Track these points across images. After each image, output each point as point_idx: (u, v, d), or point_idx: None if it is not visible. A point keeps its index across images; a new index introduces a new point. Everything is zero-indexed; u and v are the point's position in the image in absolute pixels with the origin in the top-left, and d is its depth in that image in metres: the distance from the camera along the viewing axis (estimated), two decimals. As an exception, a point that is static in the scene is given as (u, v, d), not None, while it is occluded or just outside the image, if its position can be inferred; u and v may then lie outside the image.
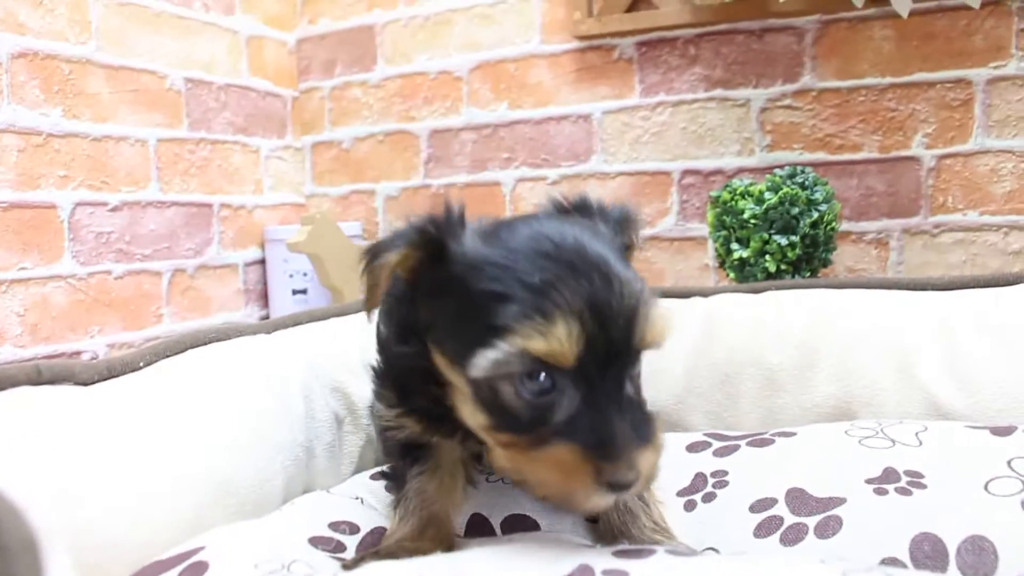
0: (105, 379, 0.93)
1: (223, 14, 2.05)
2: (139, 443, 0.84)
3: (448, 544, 0.80)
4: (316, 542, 0.82)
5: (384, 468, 0.95)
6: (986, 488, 0.86)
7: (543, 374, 0.63)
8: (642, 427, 0.64)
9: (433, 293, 0.70)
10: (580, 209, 0.76)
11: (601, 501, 0.63)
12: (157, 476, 0.82)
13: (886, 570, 0.68)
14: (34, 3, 1.61)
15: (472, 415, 0.68)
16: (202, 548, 0.74)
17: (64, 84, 1.66)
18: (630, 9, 1.92)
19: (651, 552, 0.67)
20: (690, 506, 0.93)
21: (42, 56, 1.62)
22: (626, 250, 0.75)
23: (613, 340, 0.62)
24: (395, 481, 0.84)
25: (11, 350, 1.56)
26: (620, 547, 0.70)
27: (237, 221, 2.07)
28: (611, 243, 0.70)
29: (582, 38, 1.99)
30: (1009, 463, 0.92)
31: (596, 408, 0.63)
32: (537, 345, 0.61)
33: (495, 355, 0.62)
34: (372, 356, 0.88)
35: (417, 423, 0.79)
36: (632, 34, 1.95)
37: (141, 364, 0.98)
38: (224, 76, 2.05)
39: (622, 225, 0.76)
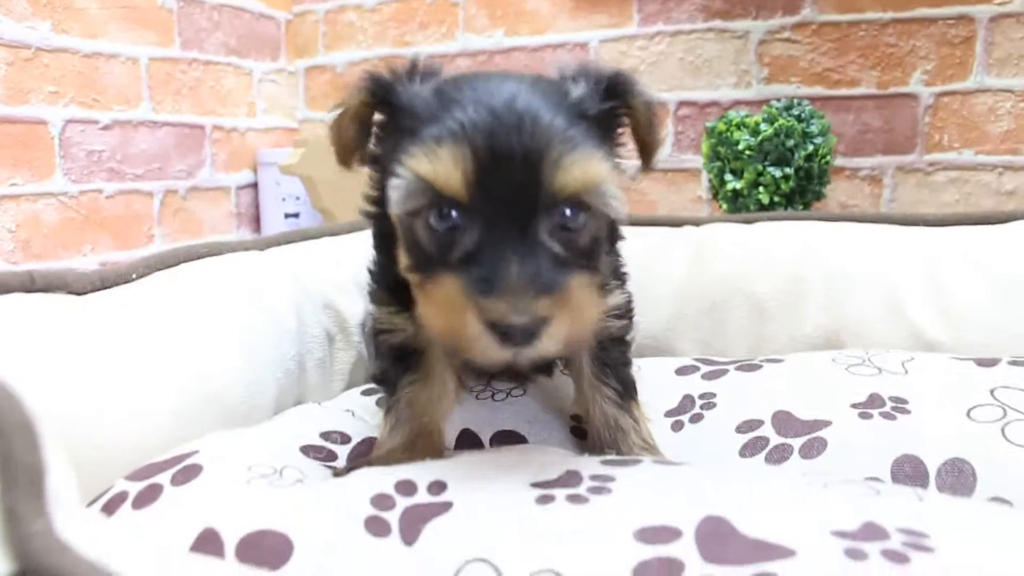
0: (98, 289, 0.93)
1: (217, -70, 2.01)
2: (130, 351, 0.84)
3: (438, 455, 0.79)
4: (308, 450, 0.83)
5: (375, 375, 0.95)
6: (968, 415, 0.87)
7: (448, 208, 0.61)
8: (548, 276, 0.60)
9: (384, 144, 0.71)
10: (574, 75, 0.71)
11: (492, 350, 0.59)
12: (148, 383, 0.82)
13: (867, 483, 0.70)
14: (22, -89, 1.57)
15: (401, 260, 0.67)
16: (196, 452, 0.75)
17: (52, -2, 1.64)
18: (631, -64, 1.89)
19: (637, 461, 0.68)
20: (677, 426, 0.94)
21: (30, -32, 1.59)
22: (609, 119, 0.70)
23: (515, 177, 0.60)
24: (386, 388, 0.84)
25: (2, 265, 1.57)
26: (608, 457, 0.71)
27: (229, 144, 2.06)
28: (560, 103, 0.65)
29: (582, -35, 1.97)
30: (992, 392, 0.94)
31: (492, 246, 0.60)
32: (424, 168, 0.60)
33: (396, 183, 0.62)
34: (363, 276, 0.88)
35: (410, 323, 0.77)
36: (632, -38, 1.93)
37: (134, 276, 0.98)
38: (216, -5, 2.02)
39: (608, 91, 0.69)
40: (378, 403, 0.96)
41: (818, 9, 1.80)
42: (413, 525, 0.58)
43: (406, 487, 0.63)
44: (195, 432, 0.83)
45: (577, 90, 0.68)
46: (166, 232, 1.88)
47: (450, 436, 0.89)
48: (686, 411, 0.97)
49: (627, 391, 0.85)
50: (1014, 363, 1.03)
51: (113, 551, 0.48)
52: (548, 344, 0.60)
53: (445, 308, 0.61)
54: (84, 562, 0.43)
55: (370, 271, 0.86)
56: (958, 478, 0.76)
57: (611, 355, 0.84)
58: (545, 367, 0.91)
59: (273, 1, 2.20)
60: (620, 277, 0.85)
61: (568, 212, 0.63)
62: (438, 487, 0.63)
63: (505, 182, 0.60)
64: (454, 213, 0.62)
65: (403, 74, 0.69)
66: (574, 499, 0.60)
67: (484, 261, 0.60)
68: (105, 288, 0.94)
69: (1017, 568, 0.51)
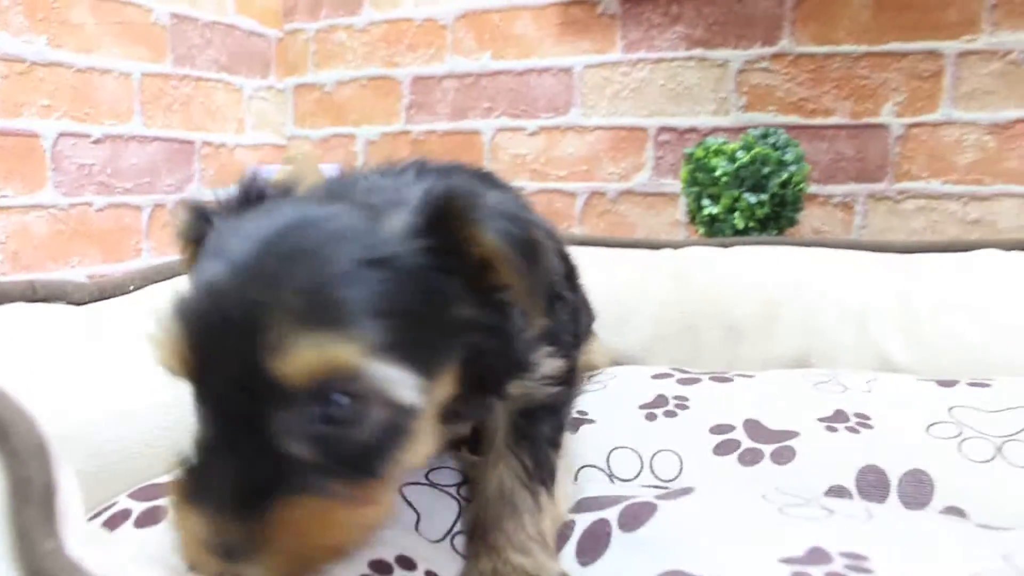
0: (96, 300, 0.96)
1: (209, -51, 2.05)
2: (128, 361, 0.87)
3: None
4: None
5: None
6: (927, 431, 0.92)
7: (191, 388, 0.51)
8: (253, 494, 0.48)
9: None
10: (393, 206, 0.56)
11: (199, 560, 0.49)
12: (146, 393, 0.85)
13: (821, 504, 0.75)
14: (19, -71, 1.61)
15: None
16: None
17: (49, 12, 1.67)
18: (616, -35, 1.95)
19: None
20: (651, 417, 0.97)
21: (27, -16, 1.63)
22: (448, 258, 0.54)
23: (234, 362, 0.48)
24: None
25: (-8, 276, 1.59)
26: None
27: (218, 159, 2.09)
28: (348, 251, 0.51)
29: (567, -8, 2.02)
30: (950, 410, 0.98)
31: (217, 442, 0.50)
32: (153, 343, 0.51)
33: None
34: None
35: None
36: (617, -10, 1.98)
37: (131, 288, 1.02)
38: (209, 13, 2.05)
39: (435, 225, 0.54)
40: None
41: (795, 41, 1.85)
42: None
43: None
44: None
45: (389, 228, 0.54)
46: (154, 245, 1.91)
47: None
48: (660, 406, 1.00)
49: (540, 471, 0.72)
50: (972, 385, 1.08)
51: (120, 571, 0.49)
52: (270, 571, 0.48)
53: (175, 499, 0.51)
54: None
55: None
56: (917, 488, 0.80)
57: (534, 427, 0.73)
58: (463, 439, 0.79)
59: (264, 19, 2.24)
60: (557, 341, 0.72)
61: (324, 401, 0.49)
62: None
63: (225, 365, 0.49)
64: (194, 395, 0.51)
65: (224, 205, 0.61)
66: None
67: (200, 452, 0.50)
68: (103, 299, 0.97)
69: None
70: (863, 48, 1.82)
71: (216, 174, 2.08)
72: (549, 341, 0.70)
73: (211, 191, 1.95)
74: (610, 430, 0.94)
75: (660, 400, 1.01)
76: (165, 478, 0.76)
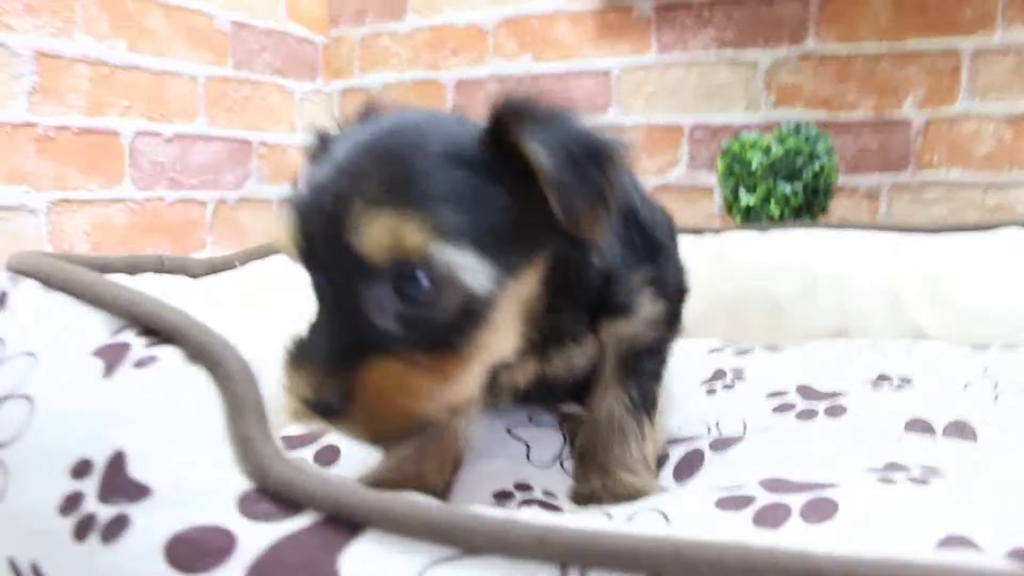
0: (209, 273, 1.09)
1: (265, -40, 2.17)
2: (241, 328, 0.98)
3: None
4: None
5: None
6: (964, 388, 1.02)
7: (304, 268, 0.59)
8: (348, 355, 0.54)
9: None
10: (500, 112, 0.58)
11: (304, 416, 0.56)
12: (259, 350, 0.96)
13: (890, 433, 0.84)
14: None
15: None
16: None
17: (128, 19, 1.78)
18: (650, -28, 2.06)
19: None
20: (711, 392, 1.06)
21: (111, -9, 1.75)
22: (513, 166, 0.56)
23: (330, 242, 0.55)
24: None
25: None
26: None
27: (273, 158, 2.20)
28: (430, 152, 0.56)
29: (604, -1, 2.13)
30: (985, 370, 1.08)
31: (320, 313, 0.57)
32: (275, 232, 0.59)
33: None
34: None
35: None
36: (651, -4, 2.09)
37: (236, 264, 1.14)
38: (264, 20, 2.16)
39: (497, 133, 0.58)
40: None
41: (820, 41, 1.96)
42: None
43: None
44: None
45: (469, 133, 0.59)
46: (215, 239, 2.02)
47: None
48: (719, 379, 1.09)
49: (644, 402, 0.78)
50: (1004, 347, 1.18)
51: (326, 473, 0.52)
52: (357, 427, 0.55)
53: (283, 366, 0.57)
54: (316, 477, 0.46)
55: None
56: (962, 434, 0.86)
57: (640, 363, 0.78)
58: (570, 390, 0.84)
59: (312, 25, 2.35)
60: (657, 284, 0.76)
61: (404, 280, 0.54)
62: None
63: (325, 247, 0.55)
64: (307, 273, 0.59)
65: (343, 124, 0.69)
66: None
67: (310, 328, 0.57)
68: (215, 272, 1.10)
69: (1008, 482, 0.63)
70: (884, 47, 1.91)
71: (272, 172, 2.20)
72: (653, 286, 0.75)
73: (267, 188, 2.06)
74: (675, 408, 0.98)
75: (719, 374, 1.11)
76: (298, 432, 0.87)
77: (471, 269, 0.54)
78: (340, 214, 0.54)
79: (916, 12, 1.89)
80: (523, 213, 0.58)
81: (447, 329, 0.56)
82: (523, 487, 0.76)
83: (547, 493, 0.76)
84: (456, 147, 0.57)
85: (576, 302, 0.68)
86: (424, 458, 0.74)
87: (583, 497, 0.74)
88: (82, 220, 1.70)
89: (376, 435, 0.57)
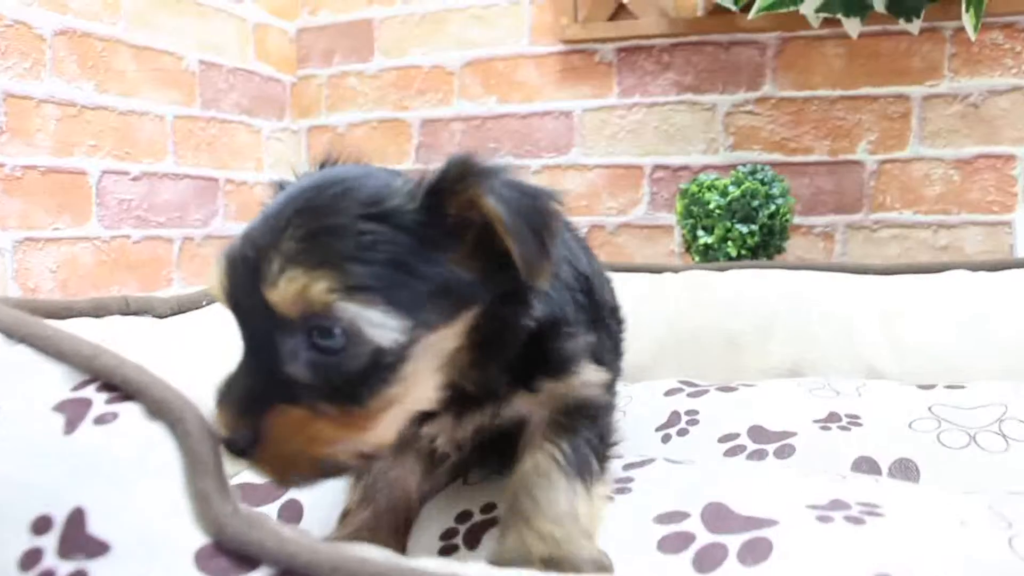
0: (175, 313, 1.09)
1: (234, 1, 2.19)
2: (206, 369, 0.99)
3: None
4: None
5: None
6: (910, 426, 1.04)
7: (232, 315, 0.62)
8: (257, 400, 0.57)
9: None
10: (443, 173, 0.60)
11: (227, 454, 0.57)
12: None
13: (836, 473, 0.85)
14: (74, -17, 1.74)
15: None
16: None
17: (97, 60, 1.80)
18: (612, 18, 2.11)
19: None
20: (666, 439, 1.07)
21: (80, 33, 1.75)
22: (449, 222, 0.59)
23: (250, 293, 0.57)
24: None
25: (41, 304, 1.69)
26: None
27: (240, 196, 2.21)
28: (356, 210, 0.58)
29: (567, 42, 2.16)
30: (930, 408, 1.10)
31: (244, 357, 0.60)
32: (208, 280, 0.62)
33: None
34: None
35: None
36: (613, 40, 2.13)
37: (203, 303, 1.15)
38: (232, 60, 2.19)
39: (435, 190, 0.59)
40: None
41: (777, 86, 2.01)
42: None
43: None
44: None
45: (396, 188, 0.60)
46: (183, 276, 2.03)
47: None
48: (674, 425, 1.09)
49: (578, 462, 0.69)
50: (949, 388, 1.21)
51: (282, 529, 0.52)
52: (266, 468, 0.58)
53: None
54: (272, 533, 0.47)
55: None
56: (905, 473, 0.89)
57: (574, 423, 0.72)
58: (506, 453, 0.76)
59: (280, 65, 2.37)
60: (599, 355, 0.75)
61: (317, 332, 0.56)
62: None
63: (246, 296, 0.58)
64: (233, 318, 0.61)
65: (311, 164, 0.73)
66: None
67: (235, 369, 0.59)
68: (182, 312, 1.10)
69: (947, 525, 0.65)
70: (838, 92, 1.98)
71: (238, 209, 2.21)
72: (592, 354, 0.73)
73: (233, 225, 2.07)
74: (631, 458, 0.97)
75: (674, 418, 1.11)
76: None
77: (378, 324, 0.55)
78: (259, 266, 0.56)
79: (868, 60, 1.95)
80: (451, 268, 0.59)
81: (357, 380, 0.57)
82: (464, 516, 0.76)
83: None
84: (380, 204, 0.58)
85: (506, 357, 0.67)
86: (379, 527, 0.75)
87: (504, 561, 0.63)
88: (49, 259, 1.71)
89: (284, 477, 0.59)
